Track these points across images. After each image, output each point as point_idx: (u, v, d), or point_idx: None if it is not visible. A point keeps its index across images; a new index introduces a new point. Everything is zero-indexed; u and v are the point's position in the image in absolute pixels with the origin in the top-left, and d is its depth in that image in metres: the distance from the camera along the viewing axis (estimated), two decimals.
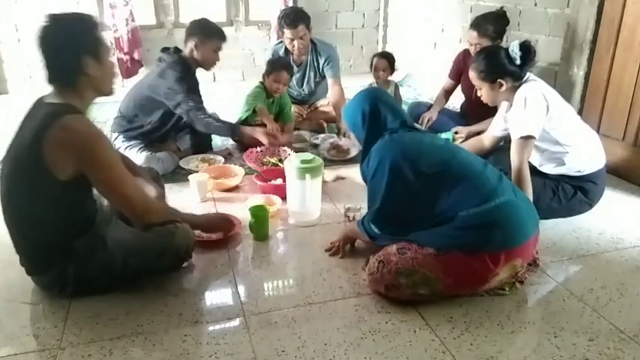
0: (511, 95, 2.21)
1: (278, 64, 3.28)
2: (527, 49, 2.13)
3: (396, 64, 3.77)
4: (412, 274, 1.67)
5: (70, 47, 1.59)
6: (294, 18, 3.34)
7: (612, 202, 2.52)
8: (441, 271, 1.66)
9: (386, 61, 3.64)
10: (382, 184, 1.78)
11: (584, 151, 2.24)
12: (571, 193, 2.25)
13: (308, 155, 2.32)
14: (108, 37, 4.63)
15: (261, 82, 3.35)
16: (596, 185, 2.29)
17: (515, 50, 2.14)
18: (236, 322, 1.66)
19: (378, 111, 1.92)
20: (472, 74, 2.26)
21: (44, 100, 1.66)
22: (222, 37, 2.90)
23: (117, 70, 1.63)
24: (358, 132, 1.99)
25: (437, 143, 1.89)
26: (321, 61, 3.60)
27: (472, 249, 1.65)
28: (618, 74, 2.80)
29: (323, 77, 3.69)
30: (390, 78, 3.74)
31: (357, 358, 1.50)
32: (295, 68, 3.59)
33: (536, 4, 3.37)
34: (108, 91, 1.72)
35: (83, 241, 1.69)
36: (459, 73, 3.37)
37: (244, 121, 3.27)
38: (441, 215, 1.71)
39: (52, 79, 1.63)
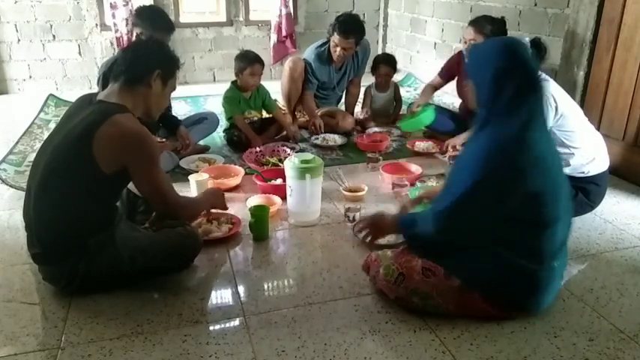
0: None
1: (252, 58, 3.16)
2: (537, 45, 2.10)
3: (396, 66, 3.79)
4: (427, 299, 1.63)
5: (153, 57, 1.79)
6: (347, 29, 3.23)
7: (612, 202, 2.52)
8: (455, 305, 1.62)
9: (392, 69, 3.66)
10: (473, 181, 1.48)
11: (589, 153, 2.23)
12: (572, 194, 2.25)
13: (308, 155, 2.33)
14: (108, 37, 4.65)
15: (232, 82, 3.27)
16: (599, 187, 2.28)
17: None
18: (236, 322, 1.66)
19: (514, 77, 1.47)
20: None
21: (97, 97, 1.76)
22: None
23: (167, 104, 1.93)
24: (480, 89, 1.55)
25: (558, 162, 1.58)
26: (360, 58, 3.59)
27: (500, 304, 1.60)
28: (618, 74, 2.80)
29: (356, 74, 3.68)
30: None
31: (357, 358, 1.50)
32: (334, 72, 3.54)
33: (536, 4, 3.37)
34: (152, 115, 1.85)
35: (97, 238, 1.71)
36: (450, 75, 3.33)
37: (234, 125, 3.26)
38: (494, 242, 1.54)
39: (120, 75, 1.75)
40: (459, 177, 1.55)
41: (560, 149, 2.21)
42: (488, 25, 2.91)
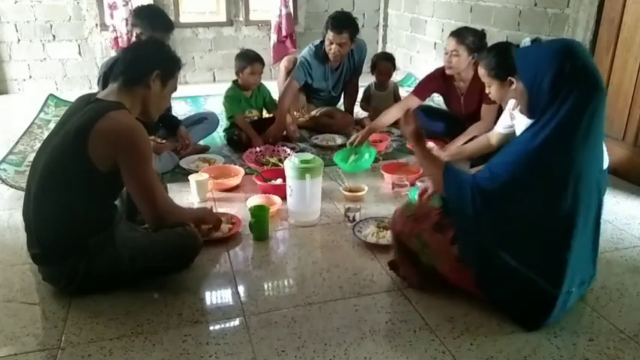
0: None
1: (252, 57, 3.18)
2: None
3: (395, 63, 3.79)
4: (426, 247, 1.68)
5: (152, 58, 1.78)
6: (339, 24, 3.24)
7: (612, 202, 2.52)
8: (449, 267, 1.66)
9: (391, 65, 3.65)
10: (526, 170, 1.46)
11: None
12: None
13: (308, 155, 2.33)
14: (108, 37, 4.65)
15: (233, 81, 3.29)
16: None
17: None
18: (236, 322, 1.66)
19: (574, 80, 1.38)
20: (482, 72, 2.25)
21: (95, 96, 1.76)
22: None
23: (167, 105, 2.02)
24: (535, 95, 1.47)
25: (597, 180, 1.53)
26: (355, 59, 3.59)
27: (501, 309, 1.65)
28: (618, 74, 2.80)
29: (352, 74, 3.68)
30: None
31: (357, 358, 1.50)
32: (330, 73, 3.54)
33: (536, 4, 3.37)
34: (151, 115, 1.83)
35: (97, 238, 1.71)
36: (429, 92, 3.15)
37: (235, 125, 3.26)
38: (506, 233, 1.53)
39: (119, 75, 1.74)
40: (508, 162, 1.52)
41: None
42: (470, 37, 2.83)
